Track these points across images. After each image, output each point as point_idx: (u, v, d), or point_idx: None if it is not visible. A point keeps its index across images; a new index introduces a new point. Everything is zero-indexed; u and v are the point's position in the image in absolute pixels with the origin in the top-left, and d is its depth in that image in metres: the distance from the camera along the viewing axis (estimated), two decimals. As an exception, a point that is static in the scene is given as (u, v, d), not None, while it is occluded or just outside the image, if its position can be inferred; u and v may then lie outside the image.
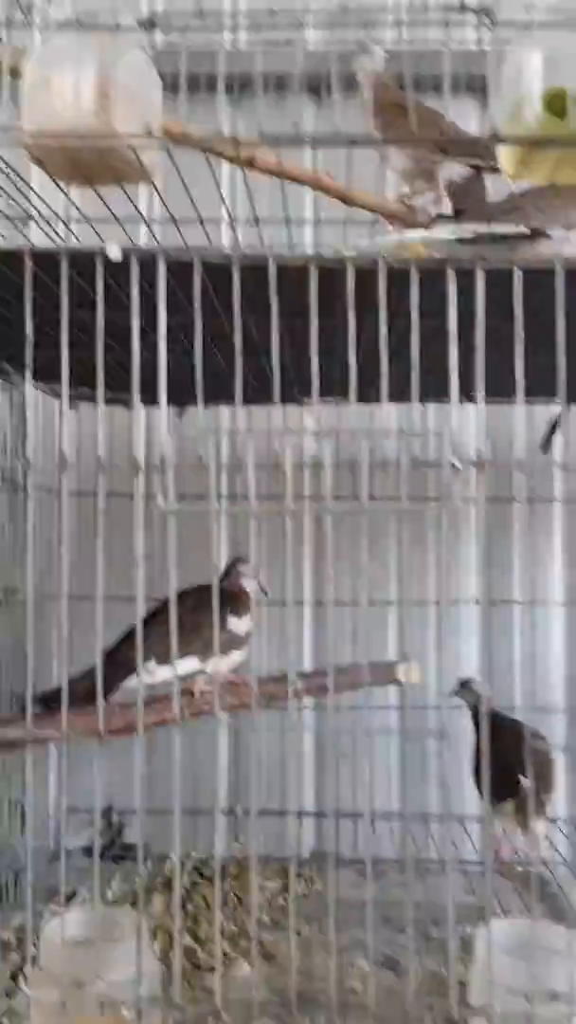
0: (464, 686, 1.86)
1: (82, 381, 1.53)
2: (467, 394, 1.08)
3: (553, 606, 2.17)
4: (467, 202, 1.36)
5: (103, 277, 1.07)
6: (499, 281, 1.02)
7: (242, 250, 1.05)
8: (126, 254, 1.07)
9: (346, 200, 1.51)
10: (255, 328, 1.12)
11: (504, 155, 1.10)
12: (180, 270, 1.08)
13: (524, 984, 1.04)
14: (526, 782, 1.49)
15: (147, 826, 2.16)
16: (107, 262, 1.07)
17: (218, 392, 1.40)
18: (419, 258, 1.02)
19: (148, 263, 1.07)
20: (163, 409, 1.03)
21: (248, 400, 1.11)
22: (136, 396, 1.09)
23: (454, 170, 1.51)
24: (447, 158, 1.52)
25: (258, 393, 1.48)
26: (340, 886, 1.88)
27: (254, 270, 1.06)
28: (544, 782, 1.48)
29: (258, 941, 1.68)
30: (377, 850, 2.01)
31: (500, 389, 1.40)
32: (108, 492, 1.11)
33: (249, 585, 1.74)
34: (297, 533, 2.14)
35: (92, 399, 1.13)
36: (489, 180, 1.48)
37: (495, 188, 1.47)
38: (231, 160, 1.46)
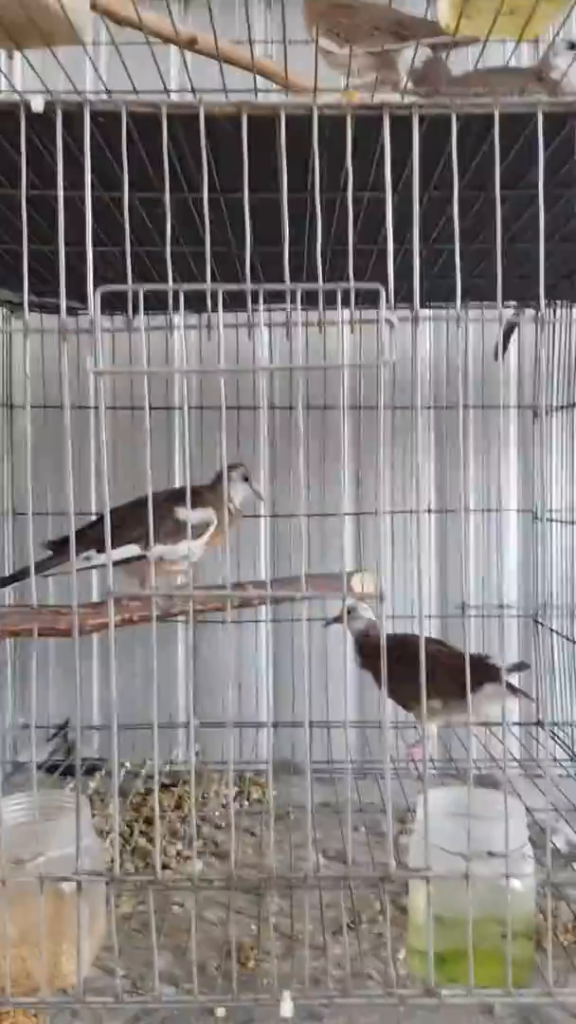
0: (351, 613, 1.86)
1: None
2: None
3: (508, 513, 2.17)
4: (429, 85, 1.31)
5: (26, 132, 1.02)
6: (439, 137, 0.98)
7: (170, 98, 1.00)
8: (49, 106, 1.02)
9: (289, 86, 1.47)
10: (188, 184, 1.08)
11: (442, 6, 1.06)
12: (108, 124, 1.03)
13: (462, 845, 1.04)
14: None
15: (104, 739, 2.18)
16: (30, 115, 1.02)
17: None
18: (354, 103, 0.98)
19: (74, 115, 1.02)
20: (88, 258, 0.98)
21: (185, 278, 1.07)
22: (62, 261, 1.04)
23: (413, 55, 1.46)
24: (405, 44, 1.47)
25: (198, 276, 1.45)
26: (295, 791, 1.90)
27: (184, 121, 1.01)
28: (443, 684, 1.51)
29: (212, 841, 1.68)
30: (333, 757, 2.03)
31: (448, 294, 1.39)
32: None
33: (237, 490, 1.73)
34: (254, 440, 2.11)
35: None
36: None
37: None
38: (172, 42, 1.41)
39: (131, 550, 1.66)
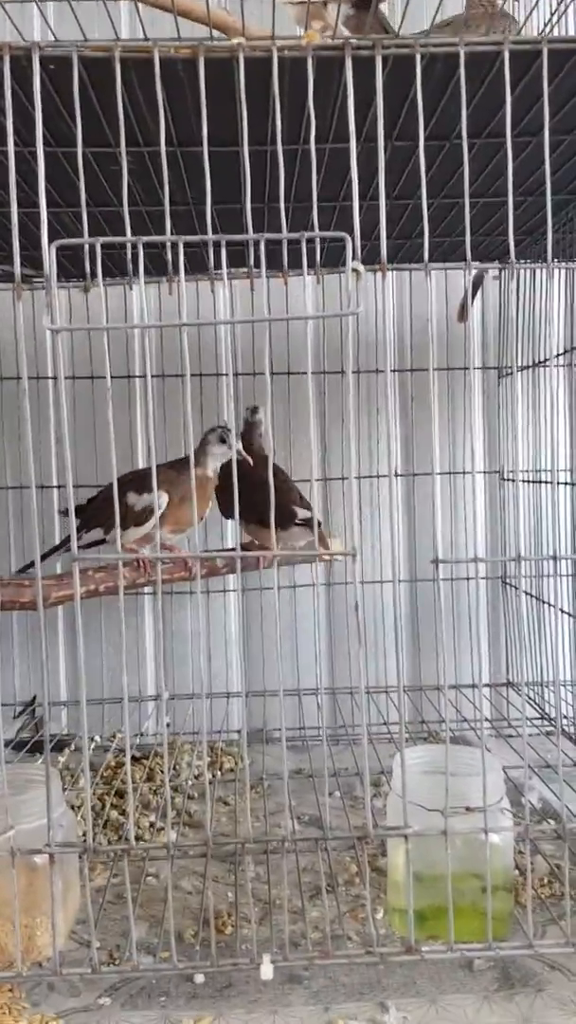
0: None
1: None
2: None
3: (474, 475, 2.16)
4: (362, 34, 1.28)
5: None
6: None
7: (123, 41, 0.96)
8: (-6, 51, 0.97)
9: (245, 37, 1.43)
10: (143, 139, 1.04)
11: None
12: (59, 72, 0.99)
13: (439, 802, 1.04)
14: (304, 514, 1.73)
15: (72, 715, 2.16)
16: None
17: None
18: (313, 43, 0.94)
19: (22, 62, 0.97)
20: (42, 214, 0.94)
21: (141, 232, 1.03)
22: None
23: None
24: None
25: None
26: (268, 759, 1.90)
27: (138, 67, 0.97)
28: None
29: (185, 811, 1.67)
30: (305, 724, 2.02)
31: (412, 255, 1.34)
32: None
33: (214, 455, 1.70)
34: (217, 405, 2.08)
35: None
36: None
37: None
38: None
39: (96, 534, 1.74)
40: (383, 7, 1.30)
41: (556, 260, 1.79)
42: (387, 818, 1.14)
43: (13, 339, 1.99)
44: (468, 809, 1.03)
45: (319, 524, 1.60)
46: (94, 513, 1.76)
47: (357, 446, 2.03)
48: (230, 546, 2.13)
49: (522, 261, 1.87)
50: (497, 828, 1.07)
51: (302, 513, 1.74)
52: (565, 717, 1.97)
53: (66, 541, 1.77)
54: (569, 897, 1.14)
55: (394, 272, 2.04)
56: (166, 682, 2.11)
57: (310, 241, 0.96)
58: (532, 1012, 1.03)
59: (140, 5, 1.37)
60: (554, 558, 1.04)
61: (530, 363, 2.01)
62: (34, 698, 2.10)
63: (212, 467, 1.70)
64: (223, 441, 1.67)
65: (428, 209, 1.04)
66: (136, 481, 1.69)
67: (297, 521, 1.74)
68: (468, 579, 2.02)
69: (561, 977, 1.10)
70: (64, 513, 1.80)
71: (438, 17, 1.09)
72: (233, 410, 1.86)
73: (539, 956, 1.12)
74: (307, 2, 1.37)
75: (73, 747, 1.97)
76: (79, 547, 1.73)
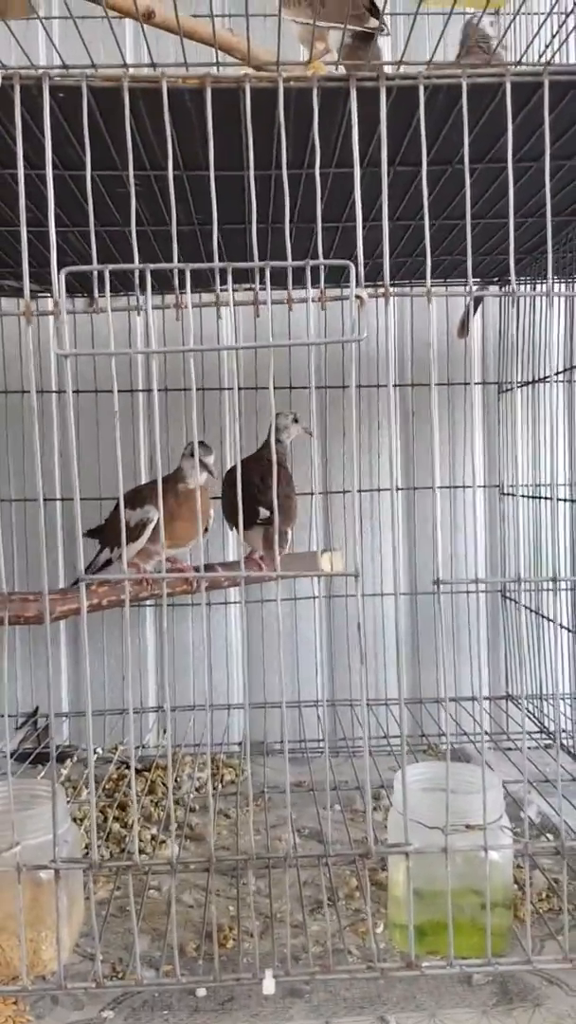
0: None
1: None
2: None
3: (474, 490, 2.18)
4: (357, 62, 1.29)
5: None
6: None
7: (132, 70, 0.98)
8: (7, 80, 0.99)
9: (248, 60, 1.44)
10: (150, 163, 1.06)
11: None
12: (68, 100, 1.01)
13: (440, 819, 1.05)
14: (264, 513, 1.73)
15: (74, 726, 2.17)
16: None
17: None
18: (320, 75, 0.96)
19: (33, 90, 0.99)
20: (51, 238, 0.96)
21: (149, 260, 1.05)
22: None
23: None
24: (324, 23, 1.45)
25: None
26: (268, 771, 1.91)
27: (146, 95, 0.99)
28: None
29: (186, 824, 1.68)
30: (305, 736, 2.04)
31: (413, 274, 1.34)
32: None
33: (190, 471, 1.72)
34: (220, 421, 2.10)
35: None
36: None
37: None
38: (130, 15, 1.38)
39: (106, 554, 1.84)
40: (380, 40, 1.32)
41: (556, 277, 1.81)
42: (388, 835, 1.15)
43: (18, 355, 2.01)
44: (468, 827, 1.05)
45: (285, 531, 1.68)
46: (105, 532, 1.85)
47: (358, 460, 2.05)
48: (232, 558, 2.15)
49: (522, 279, 1.89)
50: (497, 846, 1.08)
51: (263, 513, 1.73)
52: (564, 731, 1.98)
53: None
54: (567, 912, 1.16)
55: (396, 289, 2.06)
56: (168, 694, 2.12)
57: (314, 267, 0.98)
58: (531, 1027, 1.05)
59: (146, 26, 1.39)
60: (553, 579, 1.06)
61: (530, 379, 2.03)
62: (36, 710, 2.11)
63: (193, 481, 1.71)
64: (193, 455, 1.69)
65: (430, 231, 1.05)
66: (130, 497, 1.74)
67: (258, 521, 1.74)
68: (468, 593, 2.04)
69: (559, 992, 1.11)
70: (90, 534, 1.86)
71: (440, 48, 1.10)
72: (237, 425, 1.88)
73: (537, 971, 1.13)
74: (312, 24, 1.39)
75: (75, 759, 1.98)
76: (100, 568, 1.82)
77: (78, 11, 1.23)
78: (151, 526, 1.70)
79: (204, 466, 1.71)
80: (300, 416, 1.83)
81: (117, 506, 1.65)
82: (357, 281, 0.97)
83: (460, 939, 1.08)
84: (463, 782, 1.12)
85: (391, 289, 1.03)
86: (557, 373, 1.88)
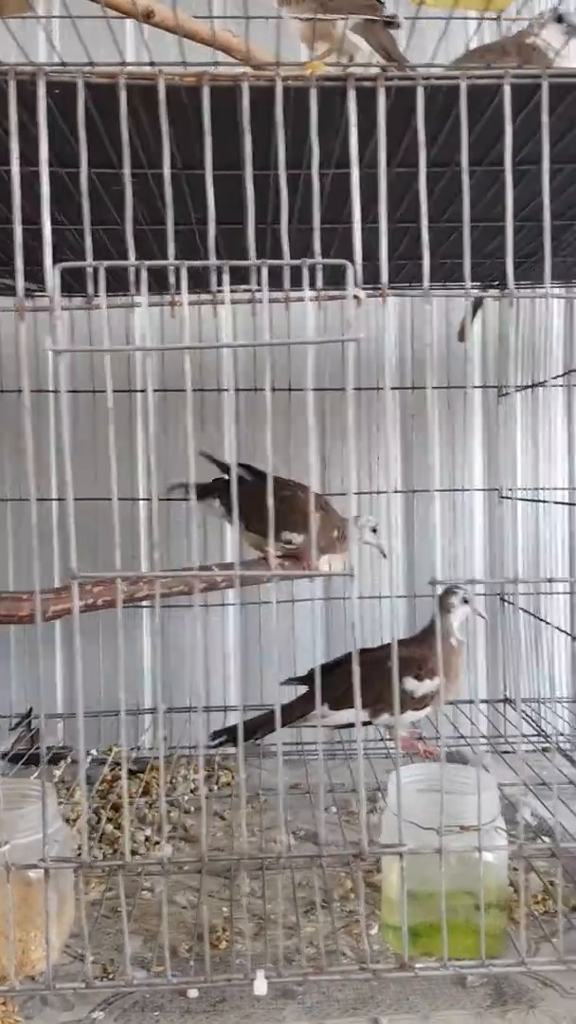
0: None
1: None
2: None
3: (473, 493, 2.18)
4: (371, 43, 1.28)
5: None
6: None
7: (129, 66, 0.98)
8: (2, 76, 0.99)
9: (248, 61, 1.44)
10: (147, 161, 1.06)
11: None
12: (64, 96, 1.00)
13: (434, 820, 1.05)
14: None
15: (68, 728, 2.16)
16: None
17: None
18: (318, 74, 0.96)
19: (28, 86, 0.99)
20: (46, 234, 0.96)
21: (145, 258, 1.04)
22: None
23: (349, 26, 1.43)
24: (332, 16, 1.44)
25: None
26: (264, 774, 1.90)
27: (143, 92, 0.99)
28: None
29: (181, 826, 1.67)
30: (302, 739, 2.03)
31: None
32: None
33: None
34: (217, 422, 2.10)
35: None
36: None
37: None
38: (129, 14, 1.38)
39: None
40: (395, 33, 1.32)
41: (555, 281, 1.81)
42: (382, 836, 1.15)
43: (14, 354, 2.01)
44: (462, 828, 1.04)
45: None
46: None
47: (356, 463, 2.05)
48: (229, 559, 2.15)
49: (522, 283, 1.89)
50: (491, 847, 1.08)
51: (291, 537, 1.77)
52: (561, 734, 1.98)
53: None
54: (561, 914, 1.15)
55: (395, 292, 2.06)
56: (163, 695, 2.11)
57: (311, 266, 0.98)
58: (524, 1029, 1.04)
59: (145, 25, 1.39)
60: (549, 580, 1.05)
61: (529, 383, 2.03)
62: (30, 710, 2.11)
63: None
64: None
65: (429, 233, 1.05)
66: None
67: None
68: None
69: (554, 994, 1.11)
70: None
71: (440, 47, 1.10)
72: (233, 428, 1.88)
73: (532, 973, 1.13)
74: (314, 19, 1.39)
75: (69, 760, 1.97)
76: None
77: (78, 10, 1.23)
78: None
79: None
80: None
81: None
82: (355, 281, 0.97)
83: (454, 940, 1.07)
84: (458, 783, 1.11)
85: (389, 292, 1.03)
86: (555, 377, 1.88)
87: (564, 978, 1.13)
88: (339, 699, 1.64)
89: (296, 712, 1.73)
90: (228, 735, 1.77)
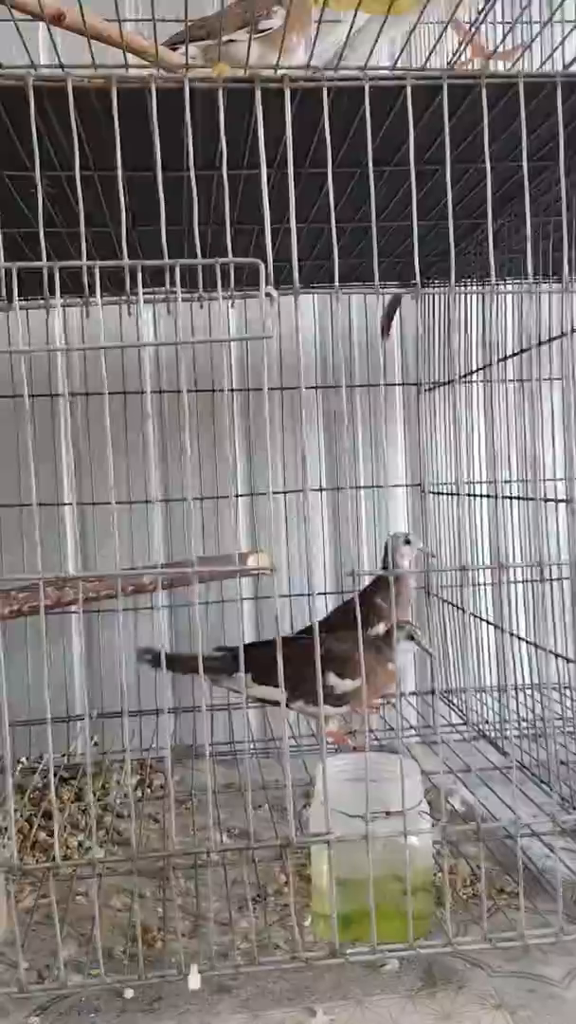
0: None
1: None
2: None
3: (396, 488, 2.22)
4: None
5: None
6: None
7: (40, 69, 0.98)
8: None
9: (160, 63, 1.45)
10: (60, 164, 1.06)
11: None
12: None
13: (361, 808, 1.07)
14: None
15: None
16: None
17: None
18: (225, 76, 0.97)
19: None
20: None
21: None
22: None
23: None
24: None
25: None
26: (200, 775, 1.90)
27: (53, 95, 0.99)
28: None
29: (113, 830, 1.67)
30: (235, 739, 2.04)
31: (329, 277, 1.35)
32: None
33: None
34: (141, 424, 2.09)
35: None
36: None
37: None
38: (38, 17, 1.37)
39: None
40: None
41: (468, 280, 1.86)
42: (311, 825, 1.17)
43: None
44: (388, 814, 1.07)
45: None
46: None
47: (282, 461, 2.07)
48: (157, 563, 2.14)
49: (434, 281, 1.93)
50: (416, 831, 1.10)
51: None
52: (486, 722, 2.02)
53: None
54: (485, 893, 1.18)
55: (315, 293, 2.09)
56: (94, 701, 2.10)
57: (224, 265, 1.00)
58: (454, 1008, 1.07)
59: (58, 29, 1.39)
60: (462, 569, 1.09)
61: (447, 379, 2.07)
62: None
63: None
64: None
65: (343, 234, 1.08)
66: None
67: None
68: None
69: (482, 974, 1.14)
70: None
71: (375, 53, 1.12)
72: (155, 427, 1.88)
73: (460, 954, 1.16)
74: (211, 44, 1.40)
75: (-2, 769, 1.94)
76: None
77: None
78: None
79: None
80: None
81: None
82: (268, 279, 0.99)
83: (385, 926, 1.10)
84: (383, 771, 1.14)
85: (301, 289, 1.05)
86: (471, 372, 1.92)
87: (491, 957, 1.17)
88: (261, 674, 1.71)
89: (219, 666, 1.80)
90: (153, 657, 1.81)
